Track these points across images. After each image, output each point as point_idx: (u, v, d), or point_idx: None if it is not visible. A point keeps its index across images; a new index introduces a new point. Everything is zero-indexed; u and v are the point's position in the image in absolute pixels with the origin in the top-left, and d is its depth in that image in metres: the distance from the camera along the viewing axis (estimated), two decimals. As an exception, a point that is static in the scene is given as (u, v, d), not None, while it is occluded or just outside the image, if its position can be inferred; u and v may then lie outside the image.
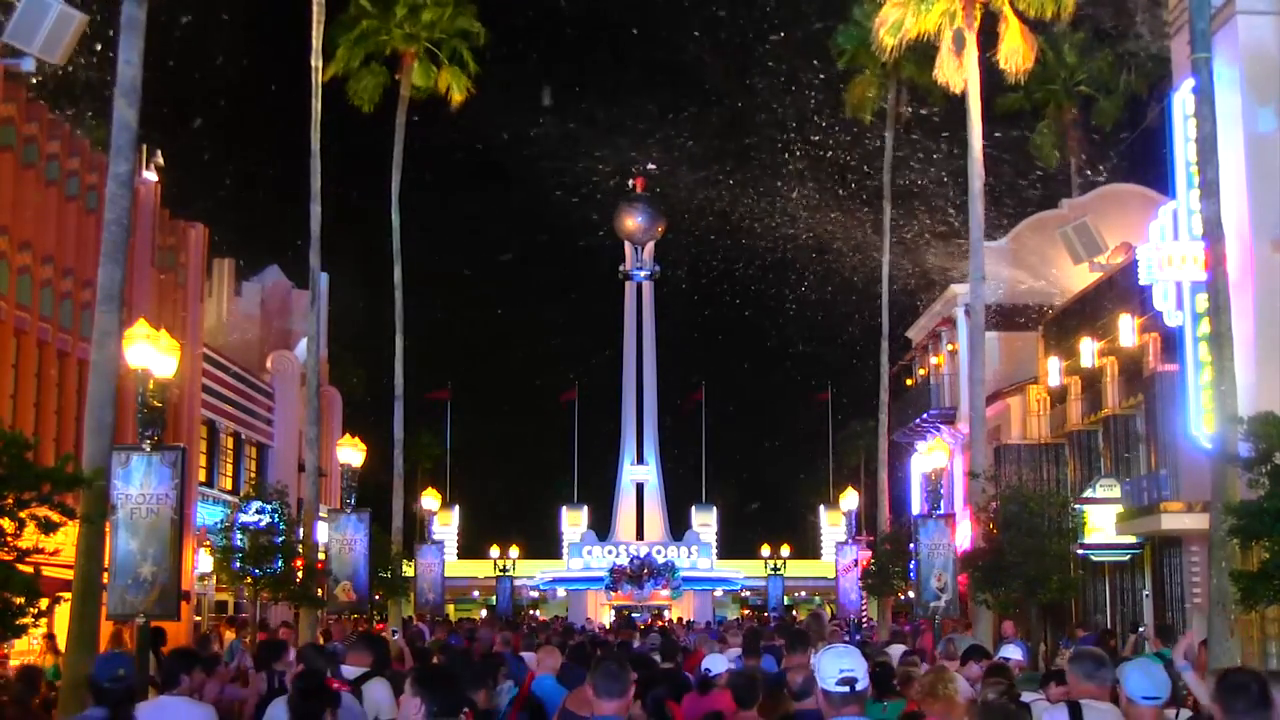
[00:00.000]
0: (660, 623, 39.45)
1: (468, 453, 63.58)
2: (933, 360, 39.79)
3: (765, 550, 56.35)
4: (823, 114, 42.06)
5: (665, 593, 53.61)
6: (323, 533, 27.13)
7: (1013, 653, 10.36)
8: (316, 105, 28.13)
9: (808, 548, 62.52)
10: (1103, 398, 27.93)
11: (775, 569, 53.01)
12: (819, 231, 44.06)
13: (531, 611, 54.65)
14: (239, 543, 23.88)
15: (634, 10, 79.41)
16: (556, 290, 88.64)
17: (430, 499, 44.40)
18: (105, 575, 13.94)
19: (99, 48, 22.59)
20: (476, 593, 57.62)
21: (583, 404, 61.43)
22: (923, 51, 29.25)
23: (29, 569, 11.88)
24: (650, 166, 59.61)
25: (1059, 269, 33.31)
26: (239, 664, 12.78)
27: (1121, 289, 25.84)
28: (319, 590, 25.13)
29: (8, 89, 21.45)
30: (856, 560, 37.45)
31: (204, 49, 37.21)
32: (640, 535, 57.49)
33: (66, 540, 12.98)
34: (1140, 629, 24.82)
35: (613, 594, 53.67)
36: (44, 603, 12.04)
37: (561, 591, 57.07)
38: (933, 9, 27.56)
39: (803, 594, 58.32)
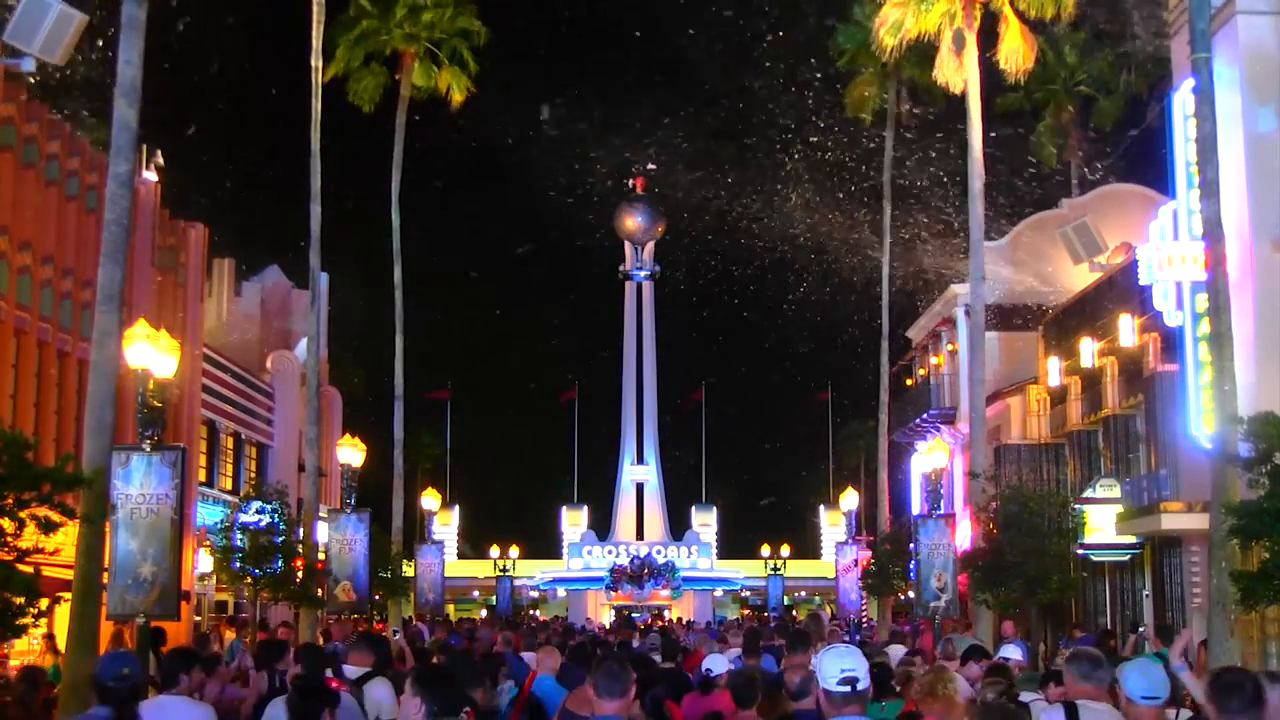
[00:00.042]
0: (660, 623, 39.44)
1: (468, 453, 63.65)
2: (933, 360, 39.79)
3: (765, 550, 56.35)
4: (823, 114, 42.09)
5: (665, 593, 53.58)
6: (323, 533, 27.14)
7: (1013, 653, 10.36)
8: (316, 105, 28.14)
9: (808, 548, 62.50)
10: (1103, 398, 27.93)
11: (775, 569, 53.00)
12: (819, 231, 44.07)
13: (531, 611, 54.63)
14: (239, 543, 23.87)
15: (634, 10, 79.46)
16: (556, 290, 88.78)
17: (430, 499, 44.41)
18: (105, 575, 13.95)
19: (100, 43, 22.60)
20: (476, 593, 57.62)
21: (583, 404, 61.46)
22: (923, 51, 29.26)
23: (29, 569, 11.88)
24: (650, 166, 59.64)
25: (1059, 269, 33.33)
26: (239, 664, 12.78)
27: (1121, 289, 25.84)
28: (319, 590, 25.14)
29: (8, 89, 21.45)
30: (856, 560, 37.46)
31: (204, 49, 37.22)
32: (640, 535, 57.48)
33: (66, 540, 12.98)
34: (1140, 629, 24.82)
35: (613, 594, 53.64)
36: (44, 603, 12.04)
37: (561, 591, 57.06)
38: (933, 9, 27.57)
39: (803, 594, 58.31)
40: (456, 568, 51.73)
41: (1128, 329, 25.00)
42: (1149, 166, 32.44)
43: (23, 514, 11.34)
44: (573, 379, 62.37)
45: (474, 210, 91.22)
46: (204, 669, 8.94)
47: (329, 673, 8.12)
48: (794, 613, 47.04)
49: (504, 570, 52.84)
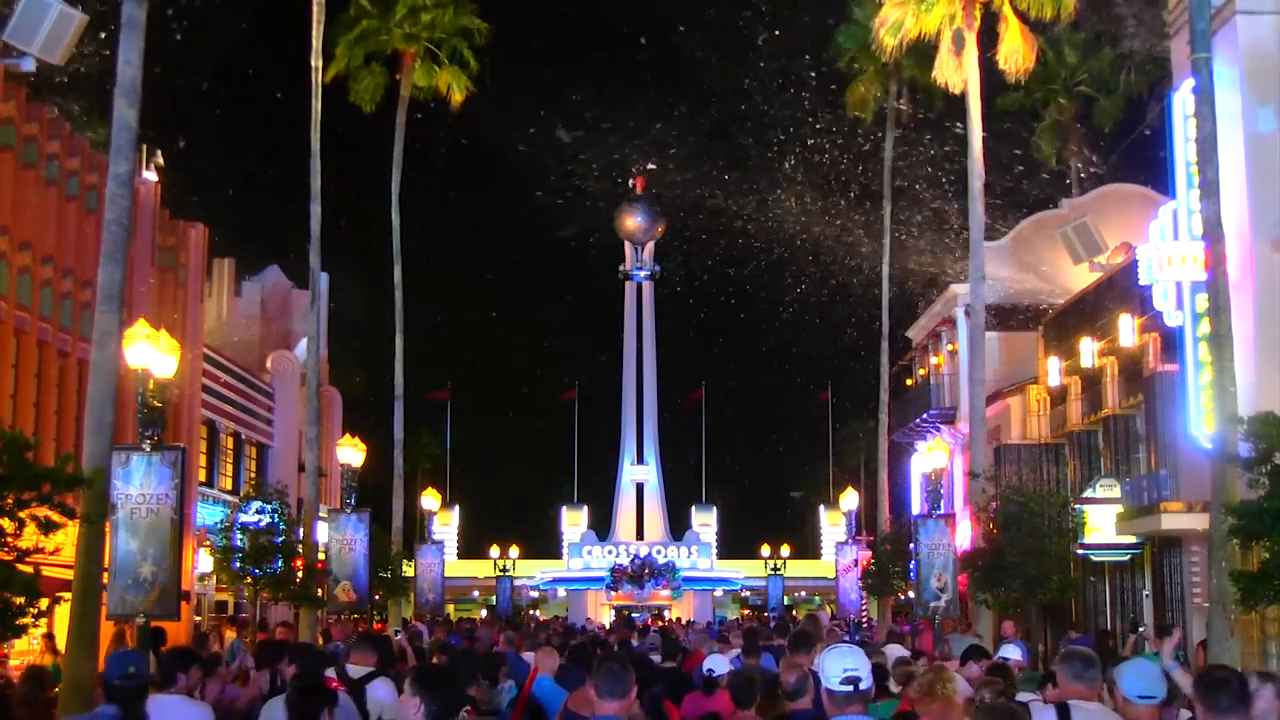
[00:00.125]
0: (660, 623, 39.45)
1: (468, 453, 63.63)
2: (933, 360, 39.79)
3: (765, 550, 56.35)
4: (823, 114, 42.13)
5: (665, 593, 53.56)
6: (323, 533, 27.14)
7: (1012, 653, 10.36)
8: (316, 105, 28.15)
9: (808, 548, 62.50)
10: (1103, 398, 27.93)
11: (775, 569, 52.99)
12: (819, 231, 44.11)
13: (531, 611, 54.62)
14: (239, 543, 23.88)
15: (634, 10, 79.41)
16: (556, 290, 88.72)
17: (430, 499, 44.41)
18: (105, 575, 13.95)
19: (102, 36, 22.59)
20: (476, 593, 57.61)
21: (583, 404, 61.44)
22: (923, 51, 29.28)
23: (29, 569, 11.88)
24: (650, 166, 59.57)
25: (1059, 269, 33.32)
26: (240, 664, 12.78)
27: (1121, 289, 25.84)
28: (319, 590, 25.14)
29: (8, 89, 21.45)
30: (856, 560, 37.47)
31: (204, 49, 37.21)
32: (640, 535, 57.45)
33: (66, 540, 12.98)
34: (1140, 629, 24.82)
35: (613, 594, 53.62)
36: (44, 603, 12.04)
37: (561, 591, 57.03)
38: (933, 9, 27.59)
39: (803, 594, 58.30)
40: (456, 568, 51.73)
41: (1128, 329, 25.00)
42: (1149, 166, 32.49)
43: (23, 514, 11.34)
44: (572, 380, 62.44)
45: (474, 210, 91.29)
46: (203, 669, 8.94)
47: (330, 672, 8.12)
48: (794, 613, 47.03)
49: (504, 570, 52.84)
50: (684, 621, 40.81)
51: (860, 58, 35.67)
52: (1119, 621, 27.48)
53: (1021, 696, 7.63)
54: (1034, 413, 31.86)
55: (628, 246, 59.58)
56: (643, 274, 59.73)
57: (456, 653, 13.60)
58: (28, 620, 11.52)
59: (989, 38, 27.77)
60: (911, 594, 27.76)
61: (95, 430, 14.11)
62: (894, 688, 8.67)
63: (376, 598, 30.05)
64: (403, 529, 35.78)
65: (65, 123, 24.08)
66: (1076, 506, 26.14)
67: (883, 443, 38.83)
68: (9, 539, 11.32)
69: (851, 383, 56.16)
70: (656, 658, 12.84)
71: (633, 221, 58.80)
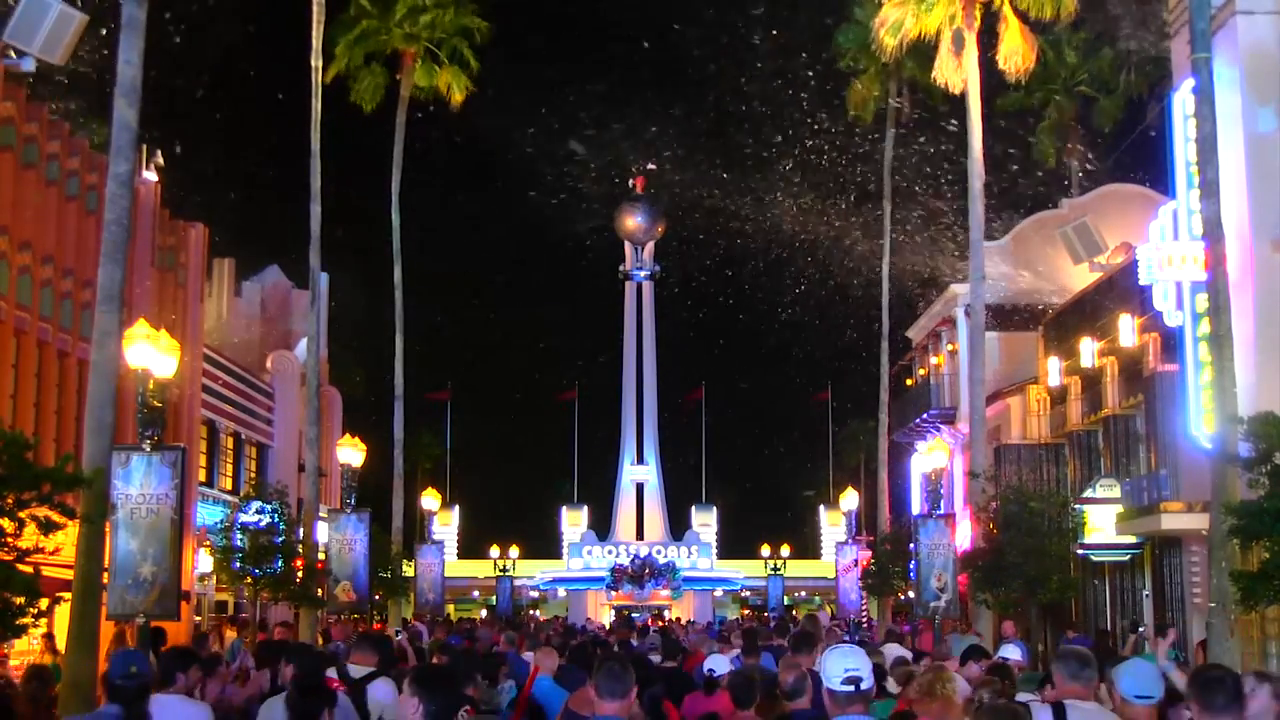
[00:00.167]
0: (660, 623, 39.45)
1: (468, 453, 63.64)
2: (933, 360, 39.79)
3: (765, 550, 56.35)
4: (823, 114, 42.11)
5: (665, 593, 53.56)
6: (323, 533, 27.13)
7: (1012, 653, 10.36)
8: (316, 105, 28.15)
9: (808, 548, 62.51)
10: (1103, 398, 27.93)
11: (775, 569, 52.98)
12: (819, 231, 44.11)
13: (531, 612, 54.62)
14: (239, 543, 23.87)
15: (634, 10, 79.45)
16: (556, 290, 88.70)
17: (430, 499, 44.41)
18: (105, 575, 13.95)
19: (103, 34, 22.59)
20: (476, 593, 57.61)
21: (583, 404, 61.44)
22: (923, 51, 29.28)
23: (29, 569, 11.88)
24: (650, 166, 59.55)
25: (1059, 269, 33.33)
26: (241, 664, 12.78)
27: (1121, 289, 25.84)
28: (319, 590, 25.14)
29: (8, 89, 21.45)
30: (856, 560, 37.46)
31: (204, 49, 37.21)
32: (640, 535, 57.44)
33: (66, 540, 12.99)
34: (1140, 629, 24.81)
35: (613, 594, 53.61)
36: (44, 603, 12.05)
37: (562, 591, 57.03)
38: (933, 9, 27.59)
39: (803, 594, 58.29)
40: (456, 568, 51.73)
41: (1128, 329, 25.00)
42: (1149, 166, 32.50)
43: (23, 514, 11.35)
44: (571, 380, 62.44)
45: (474, 210, 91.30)
46: (203, 669, 8.94)
47: (331, 672, 8.12)
48: (794, 613, 47.03)
49: (504, 570, 52.84)
50: (684, 621, 40.80)
51: (860, 58, 35.68)
52: (1119, 622, 27.48)
53: (1021, 697, 7.63)
54: (1034, 413, 31.86)
55: (627, 246, 59.56)
56: (643, 274, 59.71)
57: (456, 653, 13.60)
58: (28, 620, 11.53)
59: (989, 38, 27.77)
60: (911, 594, 27.76)
61: (95, 430, 14.12)
62: (893, 688, 8.67)
63: (376, 598, 30.04)
64: (403, 529, 35.78)
65: (65, 123, 24.09)
66: (1076, 506, 26.15)
67: (883, 443, 38.83)
68: (9, 539, 11.32)
69: (851, 383, 56.24)
70: (656, 658, 12.85)
71: (633, 221, 58.78)
